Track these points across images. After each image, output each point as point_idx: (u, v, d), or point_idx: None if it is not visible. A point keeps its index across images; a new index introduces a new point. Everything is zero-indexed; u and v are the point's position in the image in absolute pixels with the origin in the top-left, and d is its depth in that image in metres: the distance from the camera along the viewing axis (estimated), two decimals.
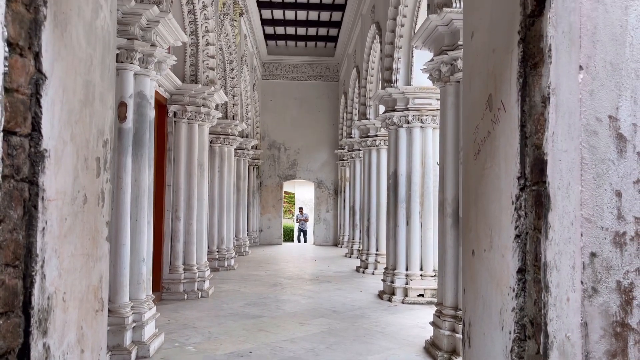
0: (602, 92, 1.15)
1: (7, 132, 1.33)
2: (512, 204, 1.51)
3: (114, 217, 5.33)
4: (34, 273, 1.41)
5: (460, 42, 5.49)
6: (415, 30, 8.69)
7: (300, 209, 24.82)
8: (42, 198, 1.45)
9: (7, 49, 1.28)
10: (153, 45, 5.58)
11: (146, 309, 5.57)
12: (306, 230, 24.16)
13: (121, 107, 5.40)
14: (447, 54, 5.62)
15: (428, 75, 6.17)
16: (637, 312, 1.16)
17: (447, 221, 5.72)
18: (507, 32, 1.61)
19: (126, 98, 5.41)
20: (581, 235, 1.11)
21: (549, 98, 1.30)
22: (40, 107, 1.44)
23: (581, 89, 1.14)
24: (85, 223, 1.72)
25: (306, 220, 24.38)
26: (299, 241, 23.93)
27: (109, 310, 5.19)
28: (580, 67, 1.14)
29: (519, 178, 1.49)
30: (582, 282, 1.11)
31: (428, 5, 6.20)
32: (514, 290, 1.48)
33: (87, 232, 1.73)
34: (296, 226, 25.02)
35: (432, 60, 5.92)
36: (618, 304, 1.15)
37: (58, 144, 1.51)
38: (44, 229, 1.45)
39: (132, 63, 5.40)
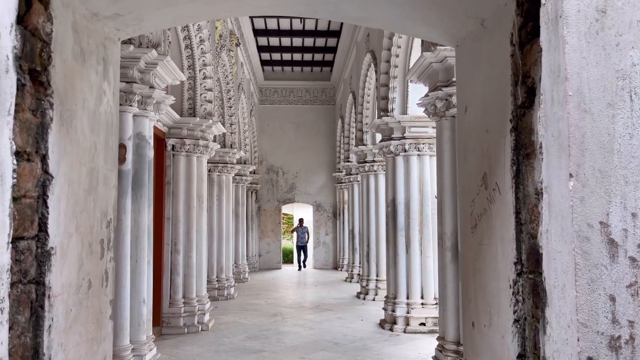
0: (592, 199, 1.19)
1: (15, 239, 1.36)
2: (510, 287, 1.54)
3: (114, 258, 5.34)
4: None
5: (454, 79, 5.58)
6: (410, 62, 8.82)
7: (301, 220, 20.52)
8: (49, 296, 1.47)
9: (15, 161, 1.32)
10: (151, 87, 5.65)
11: (146, 351, 5.55)
12: (306, 247, 19.97)
13: (120, 149, 5.44)
14: (442, 90, 5.70)
15: (424, 109, 6.26)
16: None
17: (447, 255, 5.74)
18: (499, 116, 1.65)
19: (125, 140, 5.45)
20: (578, 340, 1.14)
21: (542, 194, 1.34)
22: (46, 207, 1.47)
23: (572, 196, 1.18)
24: (89, 308, 1.74)
25: (307, 234, 20.15)
26: (299, 266, 19.79)
27: None
28: (570, 175, 1.18)
29: (515, 263, 1.52)
30: None
31: (422, 41, 6.31)
32: None
33: (91, 317, 1.75)
34: (294, 241, 20.70)
35: (427, 95, 6.01)
36: None
37: (64, 239, 1.54)
38: (50, 326, 1.47)
39: (130, 105, 5.46)
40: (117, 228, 5.36)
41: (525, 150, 1.48)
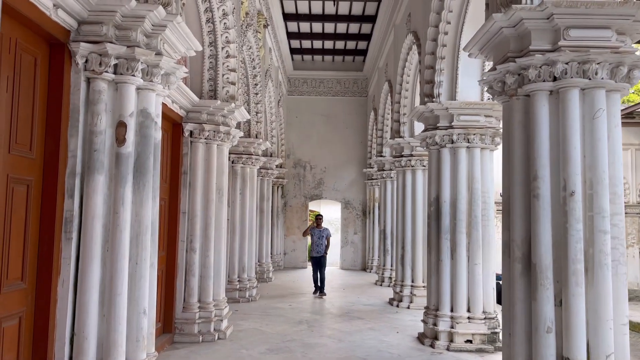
0: None
1: None
2: None
3: (109, 260, 4.40)
4: None
5: (532, 47, 4.42)
6: (461, 42, 7.64)
7: (318, 218, 12.98)
8: None
9: None
10: (159, 54, 4.66)
11: None
12: (323, 261, 12.47)
13: (120, 127, 4.48)
14: (514, 61, 4.55)
15: (487, 87, 5.11)
16: None
17: (516, 267, 4.59)
18: None
19: (126, 117, 4.49)
20: None
21: None
22: None
23: None
24: None
25: (327, 240, 12.66)
26: (315, 288, 12.50)
27: None
28: None
29: None
30: None
31: (487, 4, 5.16)
32: None
33: None
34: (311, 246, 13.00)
35: (494, 69, 4.85)
36: None
37: None
38: None
39: (133, 75, 4.47)
40: (113, 223, 4.40)
41: None
